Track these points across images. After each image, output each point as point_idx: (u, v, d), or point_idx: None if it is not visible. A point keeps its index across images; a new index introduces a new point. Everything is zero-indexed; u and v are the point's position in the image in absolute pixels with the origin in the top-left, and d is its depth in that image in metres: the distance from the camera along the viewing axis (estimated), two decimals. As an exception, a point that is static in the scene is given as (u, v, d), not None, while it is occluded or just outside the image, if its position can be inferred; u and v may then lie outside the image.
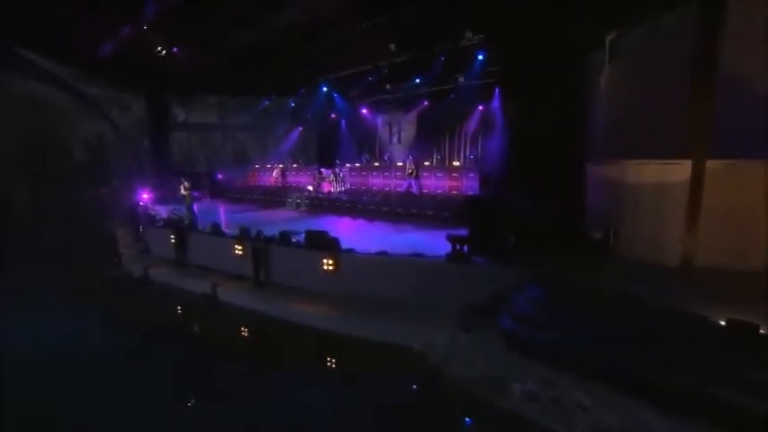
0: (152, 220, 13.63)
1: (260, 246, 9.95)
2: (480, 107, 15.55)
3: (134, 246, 15.13)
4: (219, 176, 22.22)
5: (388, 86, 18.36)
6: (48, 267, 13.58)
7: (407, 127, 20.02)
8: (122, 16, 13.58)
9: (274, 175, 19.44)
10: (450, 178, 14.15)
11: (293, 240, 10.16)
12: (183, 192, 13.63)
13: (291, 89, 20.65)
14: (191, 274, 11.15)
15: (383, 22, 14.51)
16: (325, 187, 17.35)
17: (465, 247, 8.62)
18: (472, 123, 15.73)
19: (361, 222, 13.84)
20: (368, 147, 21.48)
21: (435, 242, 10.46)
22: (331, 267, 9.08)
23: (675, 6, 7.97)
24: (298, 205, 17.11)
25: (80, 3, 12.30)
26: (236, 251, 10.57)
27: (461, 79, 15.79)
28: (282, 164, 19.92)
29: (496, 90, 14.48)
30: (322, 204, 16.20)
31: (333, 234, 9.77)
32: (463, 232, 9.03)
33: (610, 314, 6.13)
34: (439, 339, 7.35)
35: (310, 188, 18.25)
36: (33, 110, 25.03)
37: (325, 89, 19.44)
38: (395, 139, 20.66)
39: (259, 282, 10.02)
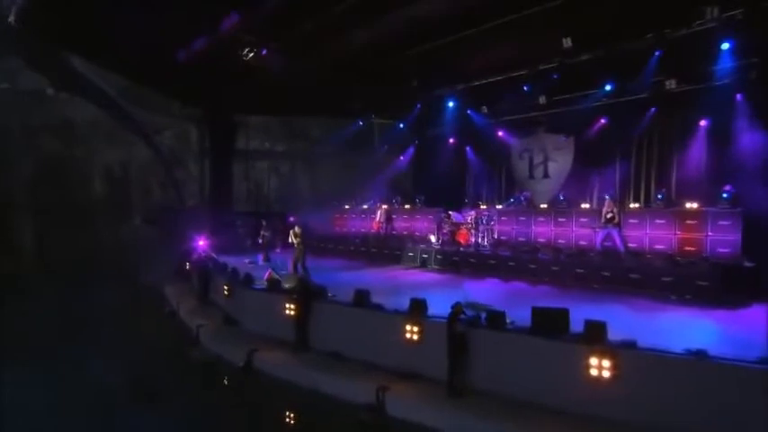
0: (245, 279, 11.80)
1: (460, 330, 7.73)
2: (703, 122, 13.25)
3: (201, 311, 13.45)
4: (291, 219, 20.76)
5: (542, 99, 16.53)
6: (93, 338, 12.00)
7: (559, 156, 17.84)
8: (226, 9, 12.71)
9: (377, 220, 17.61)
10: (681, 227, 11.67)
11: (509, 323, 7.93)
12: (291, 239, 11.95)
13: (399, 105, 19.26)
14: (327, 368, 8.99)
15: (554, 6, 12.89)
16: (462, 238, 15.26)
17: None
18: (695, 148, 13.34)
19: (546, 290, 11.56)
20: (491, 183, 19.54)
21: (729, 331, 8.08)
22: (606, 373, 6.67)
23: None
24: (424, 262, 15.03)
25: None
26: (409, 335, 8.41)
27: (671, 83, 13.61)
28: (387, 204, 18.13)
29: (738, 96, 12.32)
30: (466, 261, 14.04)
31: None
32: None
33: None
34: None
35: (432, 238, 16.26)
36: (60, 131, 24.72)
37: (451, 104, 17.89)
38: (538, 171, 18.55)
39: (455, 387, 7.70)
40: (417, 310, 8.58)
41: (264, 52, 15.83)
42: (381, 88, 17.66)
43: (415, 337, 8.38)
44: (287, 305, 10.06)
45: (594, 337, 7.04)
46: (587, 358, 6.81)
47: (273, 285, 10.98)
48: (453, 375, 7.73)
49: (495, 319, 7.95)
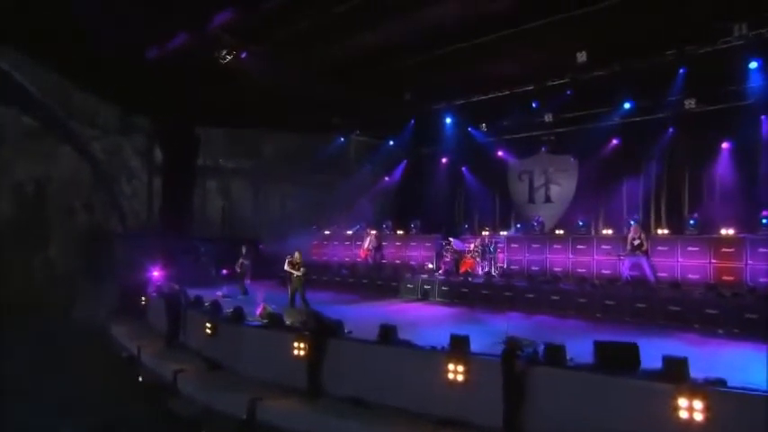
0: (235, 315, 11.03)
1: (520, 369, 7.39)
2: (725, 144, 13.79)
3: (171, 355, 12.47)
4: (261, 247, 20.09)
5: (548, 117, 16.82)
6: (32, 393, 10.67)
7: (562, 179, 18.17)
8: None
9: (365, 247, 17.18)
10: (716, 255, 11.90)
11: (569, 360, 7.67)
12: (288, 269, 11.32)
13: (393, 119, 19.13)
14: (353, 416, 8.35)
15: (569, 18, 13.18)
16: (469, 267, 15.10)
17: None
18: (717, 171, 13.83)
19: (577, 324, 11.43)
20: (489, 207, 19.63)
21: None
22: (698, 416, 6.46)
23: None
24: (426, 294, 14.70)
25: None
26: (452, 376, 7.98)
27: (690, 103, 14.10)
28: (377, 230, 17.76)
29: (764, 117, 12.95)
30: (477, 293, 13.79)
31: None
32: None
33: None
34: None
35: (430, 266, 16.04)
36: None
37: (449, 120, 17.94)
38: (539, 195, 18.77)
39: (512, 437, 7.32)
40: (460, 346, 8.17)
41: (244, 55, 15.37)
42: (373, 101, 17.46)
43: (460, 377, 7.95)
44: (295, 344, 9.39)
45: (676, 374, 6.86)
46: (675, 399, 6.58)
47: (274, 321, 10.28)
48: (511, 421, 7.34)
49: (555, 353, 7.66)
